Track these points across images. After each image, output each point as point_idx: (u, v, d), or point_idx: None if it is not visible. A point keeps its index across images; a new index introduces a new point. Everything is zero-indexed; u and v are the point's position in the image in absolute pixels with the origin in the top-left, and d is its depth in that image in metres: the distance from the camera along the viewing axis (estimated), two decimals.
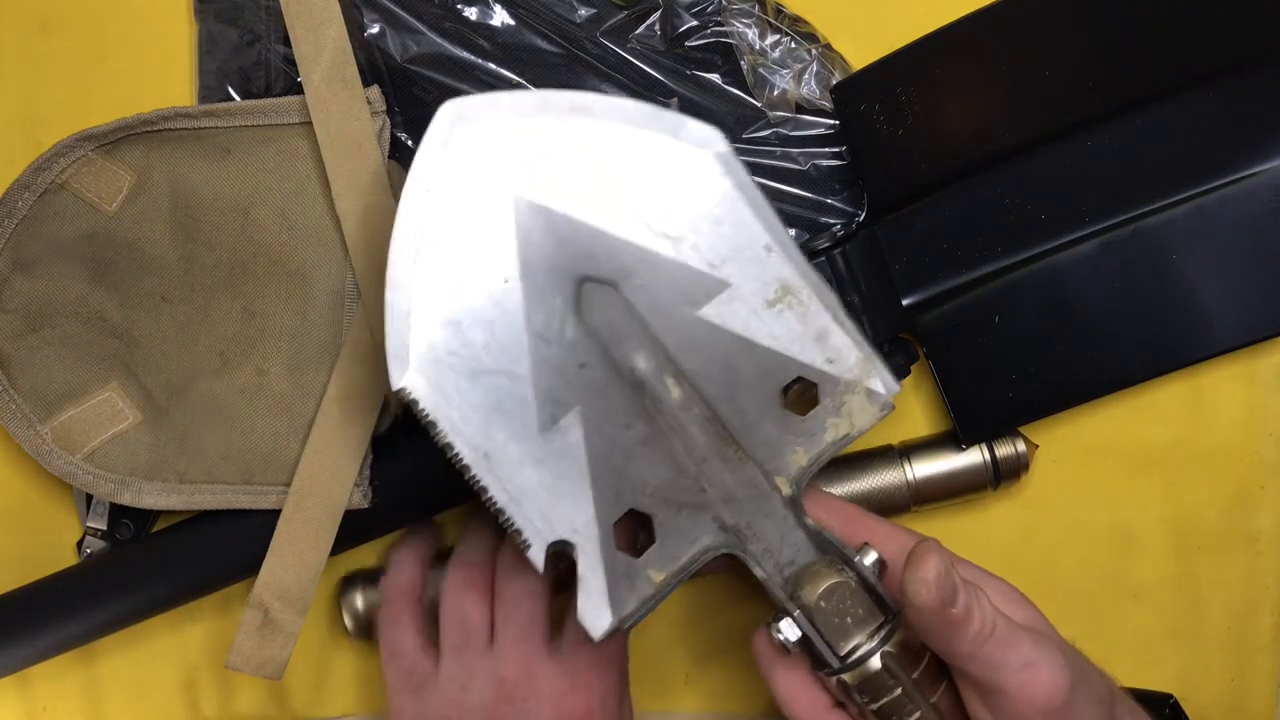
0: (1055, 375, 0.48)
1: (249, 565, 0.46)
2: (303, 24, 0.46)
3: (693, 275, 0.40)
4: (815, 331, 0.41)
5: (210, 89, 0.49)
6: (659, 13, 0.49)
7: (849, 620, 0.38)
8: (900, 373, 0.47)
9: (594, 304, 0.40)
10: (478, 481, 0.39)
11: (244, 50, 0.49)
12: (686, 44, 0.49)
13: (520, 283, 0.39)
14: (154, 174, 0.46)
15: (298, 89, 0.46)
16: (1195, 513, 0.50)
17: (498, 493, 0.39)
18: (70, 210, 0.46)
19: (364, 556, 0.51)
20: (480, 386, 0.39)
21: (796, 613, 0.39)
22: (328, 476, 0.46)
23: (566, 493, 0.39)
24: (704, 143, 0.40)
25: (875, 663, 0.38)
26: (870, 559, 0.39)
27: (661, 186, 0.40)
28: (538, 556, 0.39)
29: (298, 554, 0.46)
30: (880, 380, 0.41)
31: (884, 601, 0.39)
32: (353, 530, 0.47)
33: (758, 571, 0.40)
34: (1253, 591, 0.50)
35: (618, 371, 0.40)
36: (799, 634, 0.39)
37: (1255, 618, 0.50)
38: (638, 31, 0.49)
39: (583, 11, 0.49)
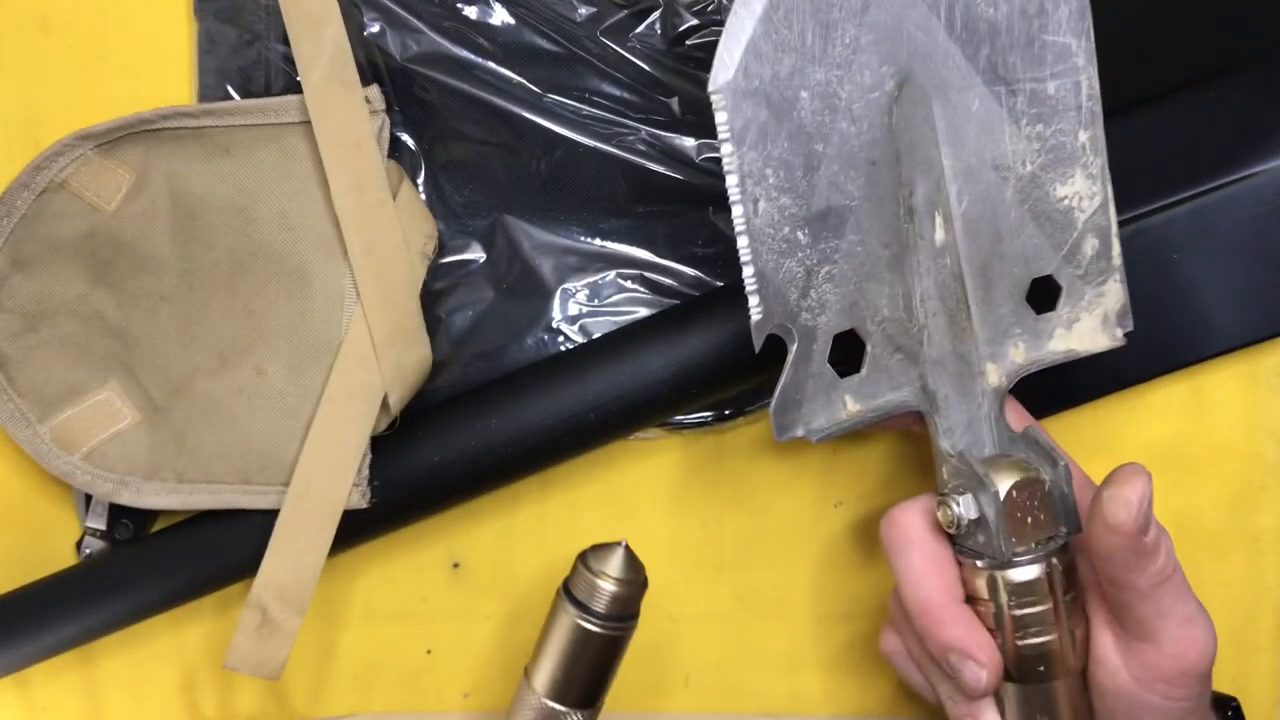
0: (1055, 375, 0.48)
1: (248, 565, 0.46)
2: (302, 23, 0.46)
3: (1008, 129, 0.40)
4: (1086, 238, 0.40)
5: (210, 88, 0.49)
6: (659, 11, 0.49)
7: (1030, 520, 0.38)
8: None
9: (907, 107, 0.39)
10: (739, 225, 0.38)
11: (243, 49, 0.49)
12: (687, 42, 0.49)
13: (859, 51, 0.38)
14: (153, 173, 0.46)
15: (297, 88, 0.46)
16: (1195, 513, 0.50)
17: (749, 249, 0.39)
18: (69, 209, 0.46)
19: (365, 556, 0.51)
20: (783, 133, 0.38)
21: (991, 492, 0.38)
22: (326, 476, 0.46)
23: (810, 282, 0.39)
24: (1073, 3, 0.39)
25: (1037, 569, 0.38)
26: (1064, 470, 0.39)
27: (1017, 28, 0.39)
28: (760, 332, 0.39)
29: (296, 554, 0.46)
30: (1119, 312, 0.41)
31: (1070, 513, 0.39)
32: (352, 530, 0.47)
33: (943, 444, 0.40)
34: (1254, 592, 0.50)
35: (898, 187, 0.40)
36: (977, 515, 0.38)
37: (1256, 618, 0.50)
38: (638, 30, 0.49)
39: (582, 10, 0.49)
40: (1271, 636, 0.50)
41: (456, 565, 0.51)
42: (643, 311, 0.50)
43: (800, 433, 0.40)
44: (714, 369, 0.46)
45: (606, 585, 0.43)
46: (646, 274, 0.50)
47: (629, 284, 0.50)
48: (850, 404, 0.40)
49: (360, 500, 0.46)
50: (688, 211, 0.50)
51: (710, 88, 0.37)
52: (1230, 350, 0.47)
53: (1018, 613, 0.38)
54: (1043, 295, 0.41)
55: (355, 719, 0.52)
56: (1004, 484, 0.38)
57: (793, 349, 0.39)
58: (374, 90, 0.46)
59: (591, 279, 0.50)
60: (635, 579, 0.44)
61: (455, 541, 0.51)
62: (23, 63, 0.50)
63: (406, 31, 0.48)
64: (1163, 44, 0.46)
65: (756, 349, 0.39)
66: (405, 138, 0.49)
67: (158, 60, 0.50)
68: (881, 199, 0.39)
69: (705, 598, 0.51)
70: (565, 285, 0.50)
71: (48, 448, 0.46)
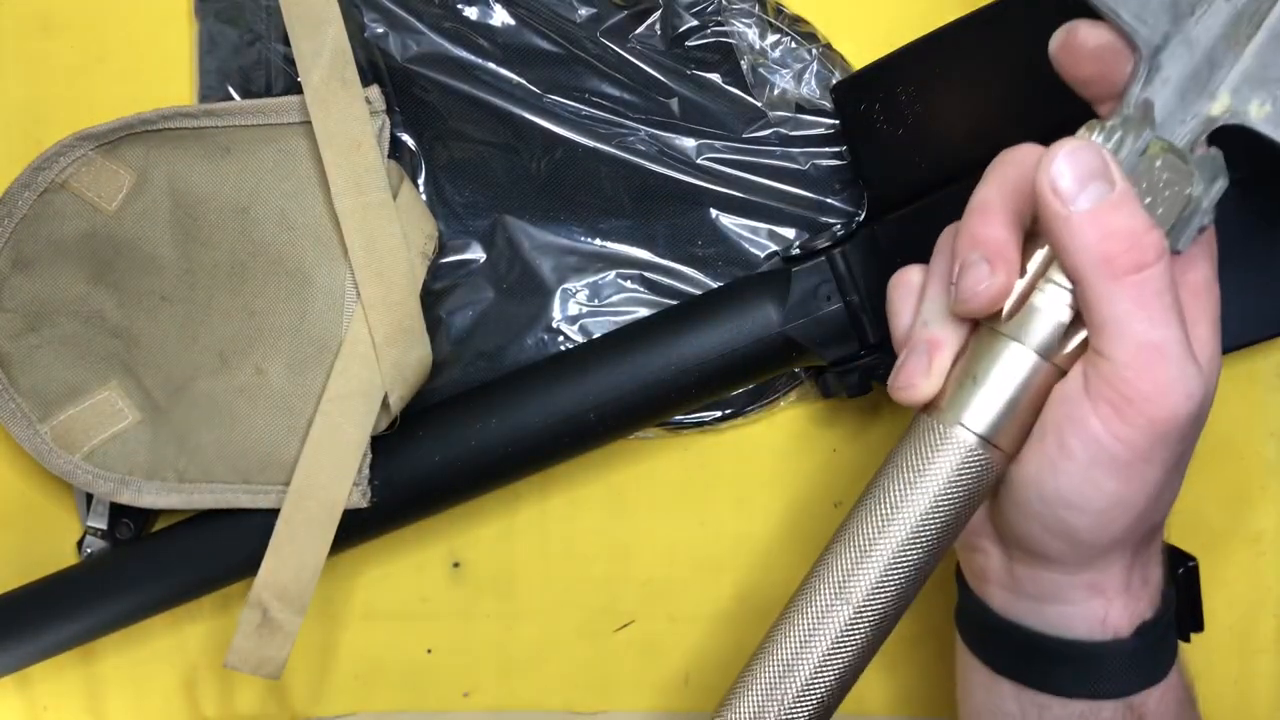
0: None
1: (248, 564, 0.46)
2: (302, 24, 0.46)
3: None
4: None
5: (210, 88, 0.49)
6: (659, 12, 0.49)
7: (1148, 200, 0.34)
8: None
9: None
10: None
11: (244, 50, 0.49)
12: (686, 44, 0.49)
13: None
14: (154, 173, 0.46)
15: (298, 88, 0.46)
16: (1196, 512, 0.50)
17: None
18: (70, 209, 0.46)
19: (365, 556, 0.51)
20: None
21: (1142, 141, 0.34)
22: (327, 476, 0.46)
23: None
24: None
25: None
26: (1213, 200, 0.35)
27: None
28: None
29: (297, 553, 0.46)
30: None
31: (1188, 231, 0.35)
32: (352, 530, 0.47)
33: (1135, 91, 0.35)
34: (1254, 592, 0.50)
35: None
36: (1115, 139, 0.35)
37: (1257, 618, 0.50)
38: (638, 31, 0.49)
39: (583, 11, 0.49)
40: (1272, 637, 0.50)
41: (456, 565, 0.51)
42: (643, 311, 0.50)
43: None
44: (714, 369, 0.46)
45: None
46: (646, 274, 0.50)
47: (629, 284, 0.50)
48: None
49: (360, 500, 0.46)
50: (688, 211, 0.50)
51: None
52: (1230, 350, 0.47)
53: (1055, 272, 0.35)
54: None
55: (355, 719, 0.52)
56: (1156, 146, 0.35)
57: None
58: (374, 90, 0.46)
59: (591, 279, 0.50)
60: None
61: (455, 541, 0.51)
62: (24, 63, 0.50)
63: (407, 32, 0.48)
64: None
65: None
66: (405, 138, 0.49)
67: (158, 61, 0.50)
68: None
69: (705, 598, 0.51)
70: (565, 285, 0.50)
71: (49, 447, 0.46)
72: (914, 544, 0.36)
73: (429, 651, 0.52)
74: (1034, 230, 0.36)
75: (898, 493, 0.36)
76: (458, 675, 0.52)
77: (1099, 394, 0.33)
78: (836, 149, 0.49)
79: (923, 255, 0.47)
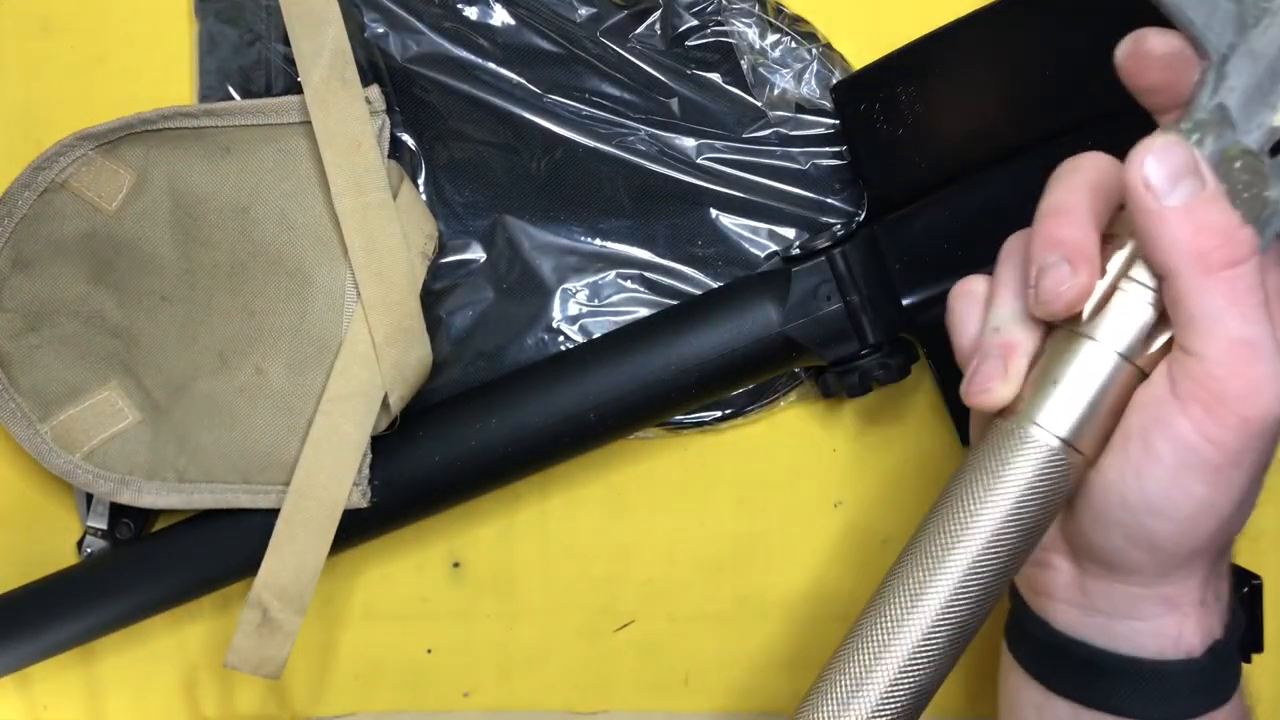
0: None
1: (248, 564, 0.46)
2: (302, 24, 0.46)
3: None
4: None
5: (210, 88, 0.49)
6: (659, 12, 0.49)
7: (1240, 188, 0.34)
8: (900, 373, 0.47)
9: None
10: None
11: (244, 50, 0.49)
12: (686, 43, 0.49)
13: None
14: (154, 173, 0.46)
15: (298, 88, 0.46)
16: None
17: None
18: (70, 209, 0.46)
19: (365, 556, 0.51)
20: None
21: (1222, 143, 0.34)
22: (327, 476, 0.46)
23: None
24: None
25: None
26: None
27: None
28: None
29: (297, 553, 0.46)
30: None
31: (1268, 233, 0.34)
32: (352, 530, 0.47)
33: (1204, 98, 0.34)
34: None
35: None
36: (1194, 140, 0.34)
37: None
38: (638, 31, 0.49)
39: (582, 10, 0.49)
40: (1273, 637, 0.50)
41: (456, 565, 0.51)
42: (643, 311, 0.50)
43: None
44: (714, 369, 0.46)
45: None
46: (646, 274, 0.50)
47: (629, 284, 0.50)
48: None
49: (360, 500, 0.46)
50: (688, 211, 0.50)
51: None
52: None
53: (1137, 271, 0.35)
54: None
55: (355, 718, 0.52)
56: (1235, 149, 0.34)
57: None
58: (374, 90, 0.46)
59: (591, 279, 0.50)
60: None
61: (455, 541, 0.51)
62: (24, 63, 0.50)
63: (407, 32, 0.48)
64: None
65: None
66: (405, 138, 0.49)
67: (158, 60, 0.50)
68: None
69: (705, 598, 0.51)
70: (565, 285, 0.50)
71: (49, 447, 0.46)
72: (992, 552, 0.34)
73: (429, 651, 0.52)
74: (1109, 233, 0.36)
75: (975, 499, 0.35)
76: (458, 675, 0.52)
77: (1188, 394, 0.32)
78: (836, 149, 0.49)
79: (922, 254, 0.47)
